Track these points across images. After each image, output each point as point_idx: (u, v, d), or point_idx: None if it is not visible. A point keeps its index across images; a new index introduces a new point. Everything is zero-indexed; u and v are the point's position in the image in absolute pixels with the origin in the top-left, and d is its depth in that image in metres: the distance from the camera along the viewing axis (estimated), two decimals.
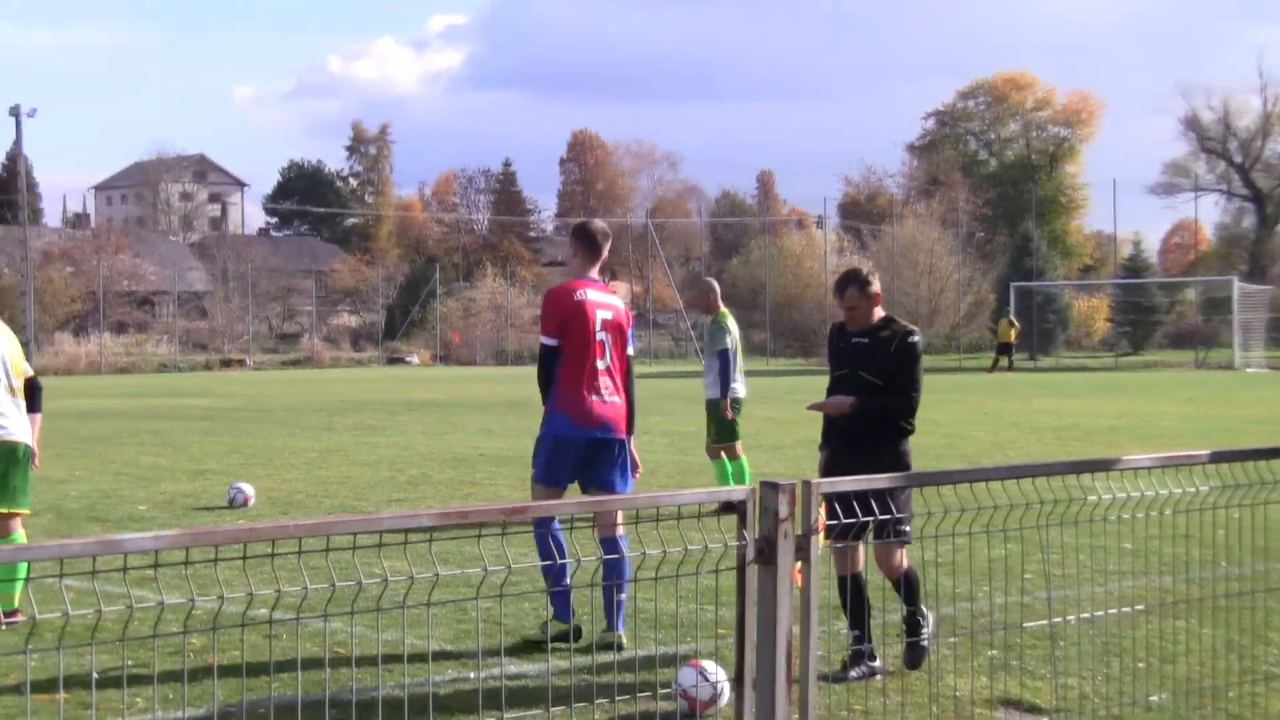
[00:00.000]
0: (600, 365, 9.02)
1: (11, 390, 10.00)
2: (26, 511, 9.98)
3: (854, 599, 8.26)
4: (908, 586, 8.51)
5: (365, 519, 3.43)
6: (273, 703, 7.58)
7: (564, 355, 8.97)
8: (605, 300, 9.21)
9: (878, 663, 8.27)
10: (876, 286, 8.80)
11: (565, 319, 9.02)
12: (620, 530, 8.79)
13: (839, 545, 7.48)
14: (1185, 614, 8.08)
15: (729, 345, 15.32)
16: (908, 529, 8.10)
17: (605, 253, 9.45)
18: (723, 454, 15.63)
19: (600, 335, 9.06)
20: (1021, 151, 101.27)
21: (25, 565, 8.50)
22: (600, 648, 8.49)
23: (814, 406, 8.86)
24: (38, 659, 7.24)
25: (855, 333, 8.81)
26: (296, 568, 3.49)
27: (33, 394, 10.34)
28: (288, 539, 3.41)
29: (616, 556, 8.71)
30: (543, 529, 8.47)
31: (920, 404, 8.71)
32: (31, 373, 10.36)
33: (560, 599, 8.83)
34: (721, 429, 15.53)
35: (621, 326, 9.23)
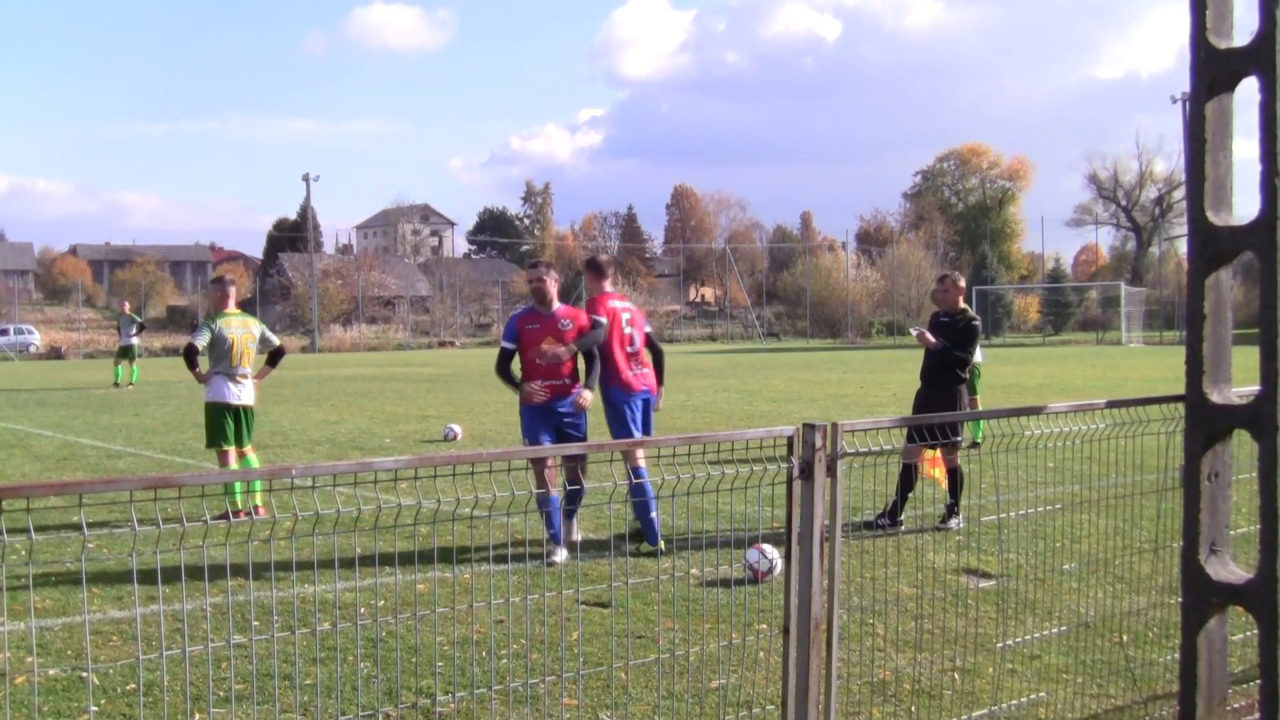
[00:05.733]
0: (630, 350, 8.73)
1: (250, 369, 10.36)
2: (250, 445, 10.43)
3: (954, 479, 9.03)
4: (954, 479, 9.19)
5: (534, 449, 3.45)
6: (473, 569, 7.68)
7: (609, 344, 8.61)
8: (624, 305, 8.87)
9: (959, 520, 9.04)
10: (961, 283, 9.85)
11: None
12: (643, 462, 8.14)
13: (909, 445, 8.07)
14: (1087, 510, 7.97)
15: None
16: (957, 439, 8.89)
17: (610, 273, 9.01)
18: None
19: (627, 330, 8.76)
20: (979, 198, 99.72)
21: (260, 482, 8.82)
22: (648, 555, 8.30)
23: (919, 335, 9.52)
24: (323, 540, 7.40)
25: (940, 313, 9.73)
26: (489, 481, 3.52)
27: (276, 357, 10.82)
28: (482, 462, 3.44)
29: (641, 482, 8.01)
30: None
31: (969, 365, 9.51)
32: (277, 342, 10.72)
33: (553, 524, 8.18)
34: (969, 384, 14.69)
35: (637, 320, 8.88)
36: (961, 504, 9.24)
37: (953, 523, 9.04)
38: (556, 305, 8.61)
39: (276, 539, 8.10)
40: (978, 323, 9.62)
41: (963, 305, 9.72)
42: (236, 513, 9.67)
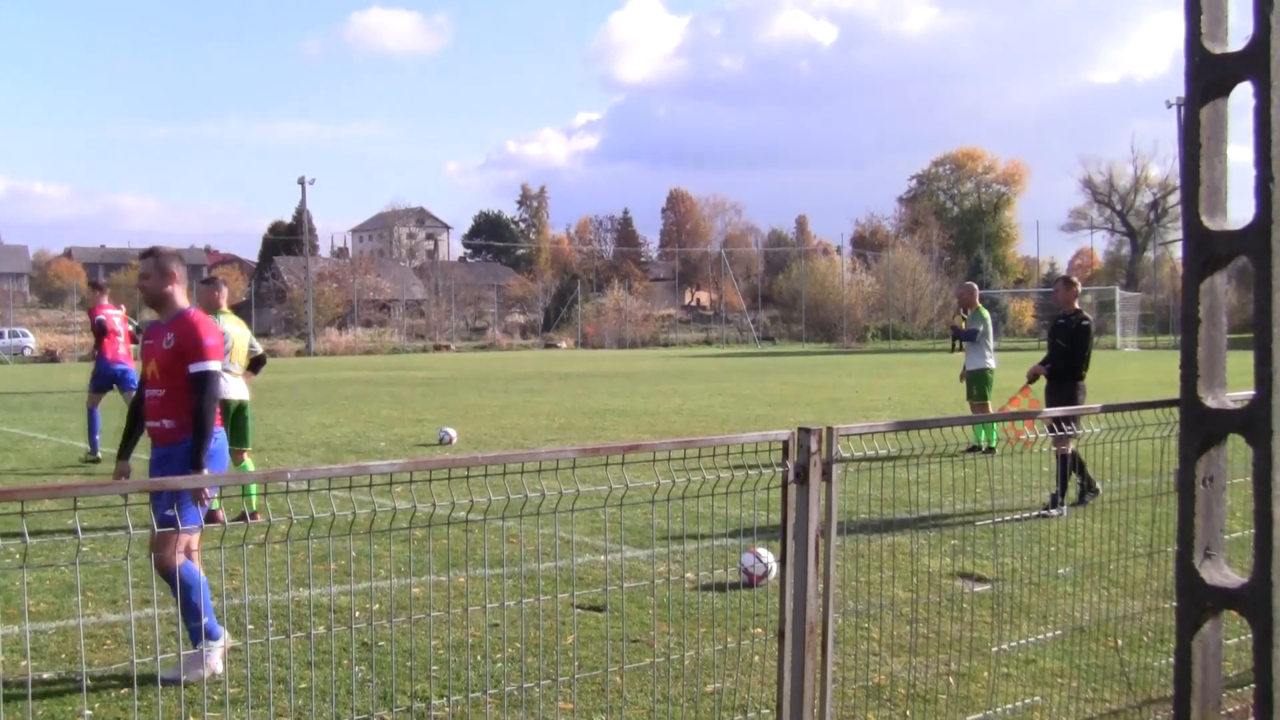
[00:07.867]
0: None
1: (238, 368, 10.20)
2: (249, 448, 10.01)
3: (1064, 466, 9.28)
4: (1076, 463, 9.55)
5: (529, 453, 3.45)
6: (468, 572, 7.67)
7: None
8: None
9: (1063, 510, 9.25)
10: (1077, 287, 10.80)
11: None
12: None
13: (1056, 435, 8.16)
14: (1083, 514, 7.99)
15: (985, 329, 14.82)
16: (1070, 429, 8.90)
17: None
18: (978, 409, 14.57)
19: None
20: (974, 202, 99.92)
21: (255, 485, 8.56)
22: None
23: (1030, 375, 10.67)
24: (318, 542, 7.39)
25: (1059, 314, 10.55)
26: (484, 485, 3.52)
27: (257, 365, 10.41)
28: (478, 465, 3.43)
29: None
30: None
31: (1088, 363, 10.13)
32: (260, 350, 10.58)
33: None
34: (981, 389, 14.63)
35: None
36: (1060, 497, 9.46)
37: (1054, 511, 9.26)
38: (180, 308, 5.94)
39: (271, 542, 8.08)
40: (1088, 323, 10.27)
41: (1077, 306, 10.45)
42: (254, 514, 9.55)
